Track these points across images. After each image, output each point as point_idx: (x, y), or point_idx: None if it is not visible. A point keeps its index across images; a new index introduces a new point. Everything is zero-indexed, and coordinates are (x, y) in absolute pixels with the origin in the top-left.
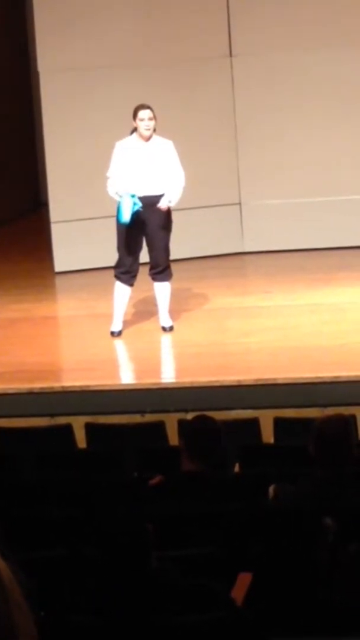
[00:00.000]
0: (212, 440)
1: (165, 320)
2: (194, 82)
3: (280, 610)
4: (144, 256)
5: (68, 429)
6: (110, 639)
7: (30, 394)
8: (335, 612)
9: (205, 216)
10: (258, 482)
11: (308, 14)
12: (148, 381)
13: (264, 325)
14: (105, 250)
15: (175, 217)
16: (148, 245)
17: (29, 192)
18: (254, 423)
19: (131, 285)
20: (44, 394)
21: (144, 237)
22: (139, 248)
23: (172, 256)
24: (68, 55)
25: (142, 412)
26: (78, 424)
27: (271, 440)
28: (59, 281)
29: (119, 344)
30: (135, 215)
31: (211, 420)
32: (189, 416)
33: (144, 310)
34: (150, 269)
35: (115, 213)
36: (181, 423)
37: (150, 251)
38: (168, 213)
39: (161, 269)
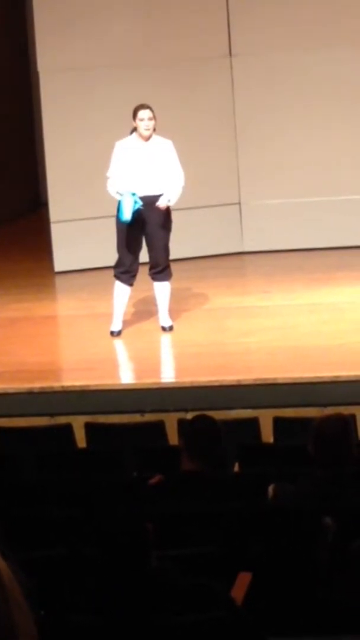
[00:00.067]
0: (211, 440)
1: (165, 320)
2: (193, 82)
3: (280, 610)
4: (144, 256)
5: (68, 428)
6: (110, 639)
7: (30, 393)
8: (335, 611)
9: (204, 216)
10: (258, 481)
11: (308, 13)
12: (148, 381)
13: (264, 325)
14: (105, 250)
15: (175, 216)
16: (148, 244)
17: (29, 191)
18: (254, 423)
19: (131, 285)
20: (44, 394)
21: (144, 236)
22: (139, 248)
23: (172, 256)
24: (68, 55)
25: (142, 411)
26: (78, 423)
27: (271, 439)
28: (58, 281)
29: (118, 343)
30: (136, 214)
31: (211, 419)
32: (189, 416)
33: (144, 310)
34: (150, 269)
35: (115, 212)
36: (181, 423)
37: (150, 251)
38: (168, 213)
39: (161, 269)
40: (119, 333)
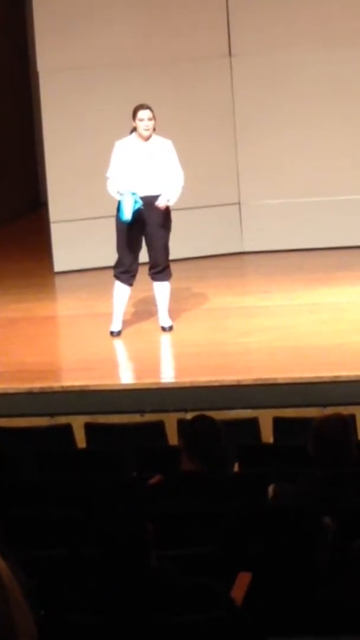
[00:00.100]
0: (211, 440)
1: (164, 320)
2: (193, 81)
3: (280, 610)
4: (144, 256)
5: (68, 428)
6: (110, 639)
7: (30, 393)
8: (334, 611)
9: (204, 216)
10: (257, 481)
11: (307, 13)
12: (147, 381)
13: (264, 325)
14: (105, 250)
15: (174, 216)
16: (147, 244)
17: (29, 191)
18: (254, 423)
19: (131, 285)
20: (44, 394)
21: (144, 236)
22: (139, 248)
23: (172, 256)
24: (67, 55)
25: (142, 411)
26: (78, 423)
27: (270, 439)
28: (58, 281)
29: (118, 343)
30: (136, 214)
31: (211, 420)
32: (189, 416)
33: (144, 310)
34: (150, 269)
35: (114, 213)
36: (181, 423)
37: (150, 251)
38: (167, 212)
39: (161, 269)
40: (118, 333)
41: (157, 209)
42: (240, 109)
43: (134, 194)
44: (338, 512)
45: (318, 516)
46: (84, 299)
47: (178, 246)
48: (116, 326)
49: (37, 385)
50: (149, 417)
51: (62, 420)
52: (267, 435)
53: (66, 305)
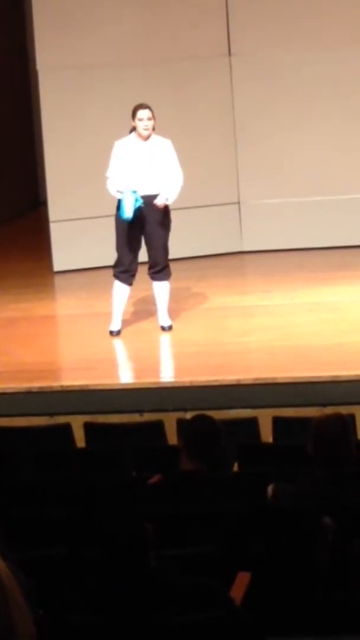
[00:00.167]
0: (211, 440)
1: (164, 319)
2: (193, 81)
3: (279, 610)
4: (143, 255)
5: (67, 428)
6: (109, 638)
7: (29, 393)
8: (334, 611)
9: (204, 215)
10: (257, 481)
11: (307, 12)
12: (147, 380)
13: (263, 325)
14: (104, 250)
15: (174, 216)
16: (147, 244)
17: (28, 191)
18: (253, 422)
19: (130, 284)
20: (43, 393)
21: (143, 236)
22: (138, 247)
23: (171, 255)
24: (67, 54)
25: (141, 411)
26: (77, 423)
27: (270, 439)
28: (58, 280)
29: (118, 343)
30: (137, 212)
31: (210, 419)
32: (188, 415)
33: (143, 309)
34: (149, 268)
35: (114, 212)
36: (180, 422)
37: (149, 250)
38: (167, 212)
39: (160, 268)
40: (118, 333)
41: (156, 208)
42: (239, 108)
43: (134, 192)
44: (338, 512)
45: (318, 516)
46: (84, 299)
47: (178, 246)
48: (115, 326)
49: (36, 384)
50: (148, 417)
51: (61, 419)
52: (267, 435)
53: (66, 304)
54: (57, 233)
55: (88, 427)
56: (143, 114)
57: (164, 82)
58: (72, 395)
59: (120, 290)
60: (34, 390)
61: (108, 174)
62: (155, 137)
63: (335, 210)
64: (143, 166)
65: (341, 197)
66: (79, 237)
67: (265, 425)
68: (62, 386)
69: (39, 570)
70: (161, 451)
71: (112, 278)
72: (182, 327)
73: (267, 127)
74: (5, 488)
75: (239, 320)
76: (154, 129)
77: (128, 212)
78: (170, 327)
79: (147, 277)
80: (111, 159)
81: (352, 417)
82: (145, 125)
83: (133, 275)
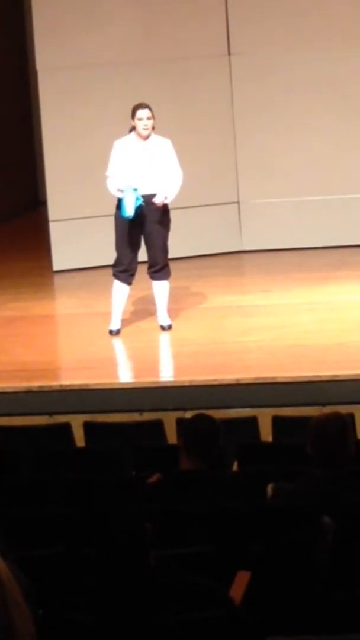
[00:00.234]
0: (210, 439)
1: (163, 319)
2: (192, 80)
3: (279, 609)
4: (143, 255)
5: (66, 427)
6: (108, 638)
7: (29, 392)
8: (334, 611)
9: (203, 215)
10: (256, 480)
11: (307, 12)
12: (146, 380)
13: (263, 324)
14: (104, 249)
15: (173, 215)
16: (146, 243)
17: (28, 190)
18: (253, 422)
19: (129, 283)
20: (43, 393)
21: (143, 235)
22: (138, 246)
23: (171, 255)
24: (66, 53)
25: (141, 410)
26: (76, 422)
27: (269, 438)
28: (57, 280)
29: (117, 342)
30: (138, 210)
31: (210, 418)
32: (188, 415)
33: (143, 309)
34: (149, 268)
35: (114, 211)
36: (180, 422)
37: (149, 250)
38: (166, 211)
39: (159, 268)
40: (117, 332)
41: (155, 207)
42: (239, 107)
43: (135, 190)
44: (337, 511)
45: (317, 516)
46: (83, 298)
47: (177, 245)
48: (115, 325)
49: (35, 384)
50: (148, 416)
51: (61, 419)
52: (266, 434)
53: (65, 304)
54: (57, 232)
55: (87, 427)
56: (142, 113)
57: (164, 82)
58: (72, 394)
59: (119, 290)
60: (34, 389)
61: (108, 173)
62: (154, 137)
63: (335, 210)
64: (143, 166)
65: (341, 196)
66: (78, 236)
67: (264, 425)
68: (61, 385)
69: (39, 569)
70: (161, 450)
71: (112, 277)
72: (181, 326)
73: (267, 126)
74: (4, 487)
75: (239, 319)
76: (153, 128)
77: (129, 210)
78: (169, 327)
79: (147, 277)
80: (111, 159)
81: (351, 416)
82: (145, 125)
83: (132, 275)
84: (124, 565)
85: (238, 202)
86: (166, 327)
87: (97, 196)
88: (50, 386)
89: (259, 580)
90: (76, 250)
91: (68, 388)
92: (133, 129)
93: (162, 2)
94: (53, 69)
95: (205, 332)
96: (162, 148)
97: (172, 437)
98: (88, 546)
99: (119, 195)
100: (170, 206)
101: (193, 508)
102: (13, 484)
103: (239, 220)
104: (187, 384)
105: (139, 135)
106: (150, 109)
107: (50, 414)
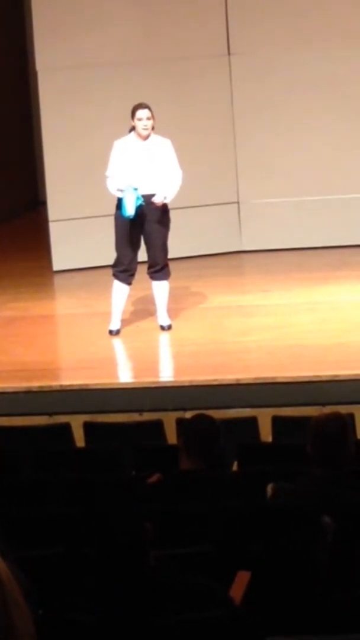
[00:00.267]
0: (210, 439)
1: (163, 319)
2: (192, 80)
3: (279, 609)
4: (143, 255)
5: (66, 427)
6: (108, 638)
7: (29, 392)
8: (334, 611)
9: (203, 215)
10: (256, 480)
11: (307, 12)
12: (146, 380)
13: (263, 324)
14: (104, 249)
15: (173, 215)
16: (146, 243)
17: (28, 190)
18: (253, 422)
19: (129, 283)
20: (43, 393)
21: (142, 235)
22: (138, 246)
23: (171, 255)
24: (66, 54)
25: (141, 410)
26: (76, 422)
27: (269, 439)
28: (57, 280)
29: (117, 342)
30: (139, 210)
31: (209, 419)
32: (188, 415)
33: (142, 309)
34: (149, 268)
35: (113, 211)
36: (179, 422)
37: (149, 250)
38: (166, 211)
39: (159, 268)
40: (117, 332)
41: (154, 206)
42: (239, 107)
43: (135, 189)
44: (337, 511)
45: (317, 516)
46: (83, 298)
47: (177, 245)
48: (115, 325)
49: (35, 384)
50: (147, 416)
51: (61, 419)
52: (266, 434)
53: (65, 304)
54: (57, 232)
55: (87, 427)
56: (142, 113)
57: (164, 82)
58: (72, 394)
59: (119, 290)
60: (34, 389)
61: (108, 173)
62: (154, 137)
63: (335, 210)
64: (142, 166)
65: (341, 196)
66: (78, 236)
67: (264, 425)
68: (61, 385)
69: (39, 569)
70: (161, 450)
71: (112, 277)
72: (181, 326)
73: (267, 126)
74: (4, 487)
75: (239, 319)
76: (153, 128)
77: (130, 210)
78: (169, 327)
79: (147, 277)
80: (110, 159)
81: (351, 416)
82: (145, 125)
83: (132, 275)
84: (124, 565)
85: (238, 202)
86: (166, 327)
87: (97, 196)
88: (50, 386)
89: (259, 580)
90: (76, 250)
91: (68, 388)
92: (133, 129)
93: (162, 2)
94: (53, 69)
95: (205, 332)
96: (162, 148)
97: (172, 437)
98: (88, 546)
99: (119, 195)
100: (170, 206)
101: (193, 508)
102: (13, 484)
103: (239, 220)
104: (187, 384)
105: (139, 135)
106: (150, 109)
107: (50, 414)
